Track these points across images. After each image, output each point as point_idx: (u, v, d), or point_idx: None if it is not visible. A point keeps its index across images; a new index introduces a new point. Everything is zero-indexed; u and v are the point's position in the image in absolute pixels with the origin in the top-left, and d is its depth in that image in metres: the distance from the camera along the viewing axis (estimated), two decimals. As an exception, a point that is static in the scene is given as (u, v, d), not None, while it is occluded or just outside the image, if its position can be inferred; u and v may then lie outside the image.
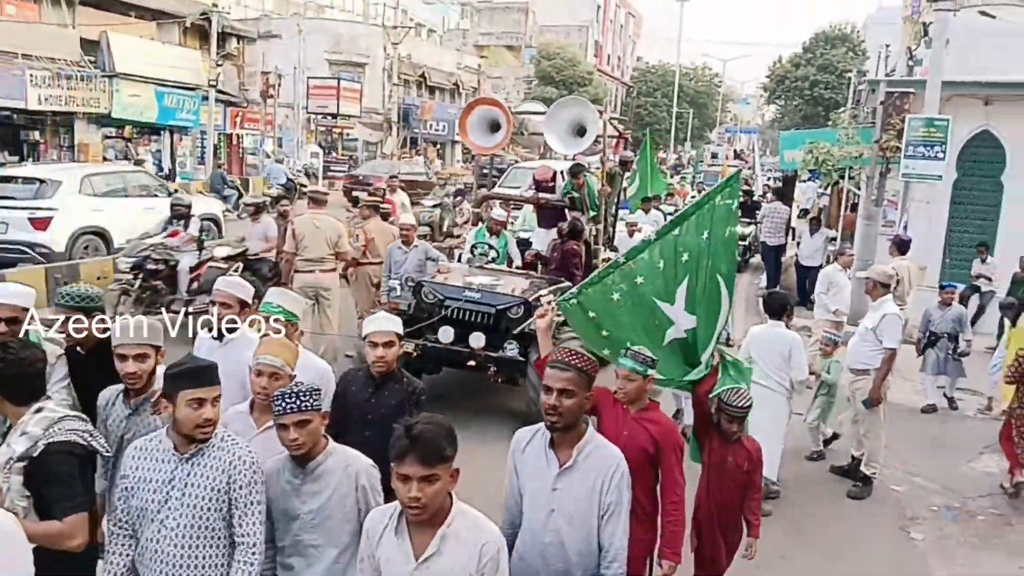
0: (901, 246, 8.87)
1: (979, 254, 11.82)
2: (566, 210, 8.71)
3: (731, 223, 3.92)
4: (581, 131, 8.46)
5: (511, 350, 6.77)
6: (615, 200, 9.41)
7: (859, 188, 13.03)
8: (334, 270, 7.85)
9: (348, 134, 35.35)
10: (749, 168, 27.02)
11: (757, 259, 15.33)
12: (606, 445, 2.99)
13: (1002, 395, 8.30)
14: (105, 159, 24.39)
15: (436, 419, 2.38)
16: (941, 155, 10.82)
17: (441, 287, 7.17)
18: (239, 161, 30.29)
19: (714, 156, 40.38)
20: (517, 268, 8.21)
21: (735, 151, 43.82)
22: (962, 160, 12.12)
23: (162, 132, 26.27)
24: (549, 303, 3.87)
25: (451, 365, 7.13)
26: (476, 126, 8.84)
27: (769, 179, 26.51)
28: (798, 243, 13.24)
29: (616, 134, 10.51)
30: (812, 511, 5.99)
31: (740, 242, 14.29)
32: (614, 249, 9.45)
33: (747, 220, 15.61)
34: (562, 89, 44.02)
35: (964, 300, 11.71)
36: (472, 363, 6.84)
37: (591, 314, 3.89)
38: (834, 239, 13.78)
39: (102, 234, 12.31)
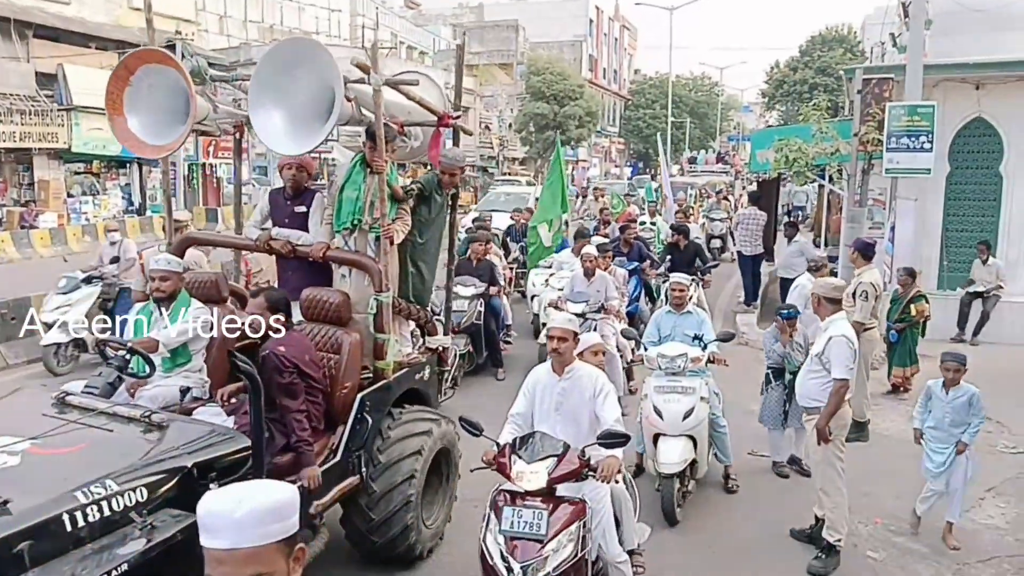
0: (866, 251, 7.25)
1: (980, 254, 10.54)
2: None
3: None
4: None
5: None
6: (423, 236, 5.16)
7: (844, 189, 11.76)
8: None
9: (330, 159, 34.49)
10: (735, 174, 25.54)
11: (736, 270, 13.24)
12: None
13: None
14: (70, 195, 23.64)
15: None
16: (928, 146, 9.58)
17: None
18: (215, 191, 29.38)
19: (692, 161, 37.94)
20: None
21: (717, 154, 42.14)
22: (954, 151, 10.84)
23: (129, 165, 25.41)
24: None
25: None
26: (142, 106, 4.56)
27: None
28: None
29: (439, 115, 5.04)
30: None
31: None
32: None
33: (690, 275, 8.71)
34: (553, 104, 43.07)
35: (964, 308, 10.50)
36: None
37: None
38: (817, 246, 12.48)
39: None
